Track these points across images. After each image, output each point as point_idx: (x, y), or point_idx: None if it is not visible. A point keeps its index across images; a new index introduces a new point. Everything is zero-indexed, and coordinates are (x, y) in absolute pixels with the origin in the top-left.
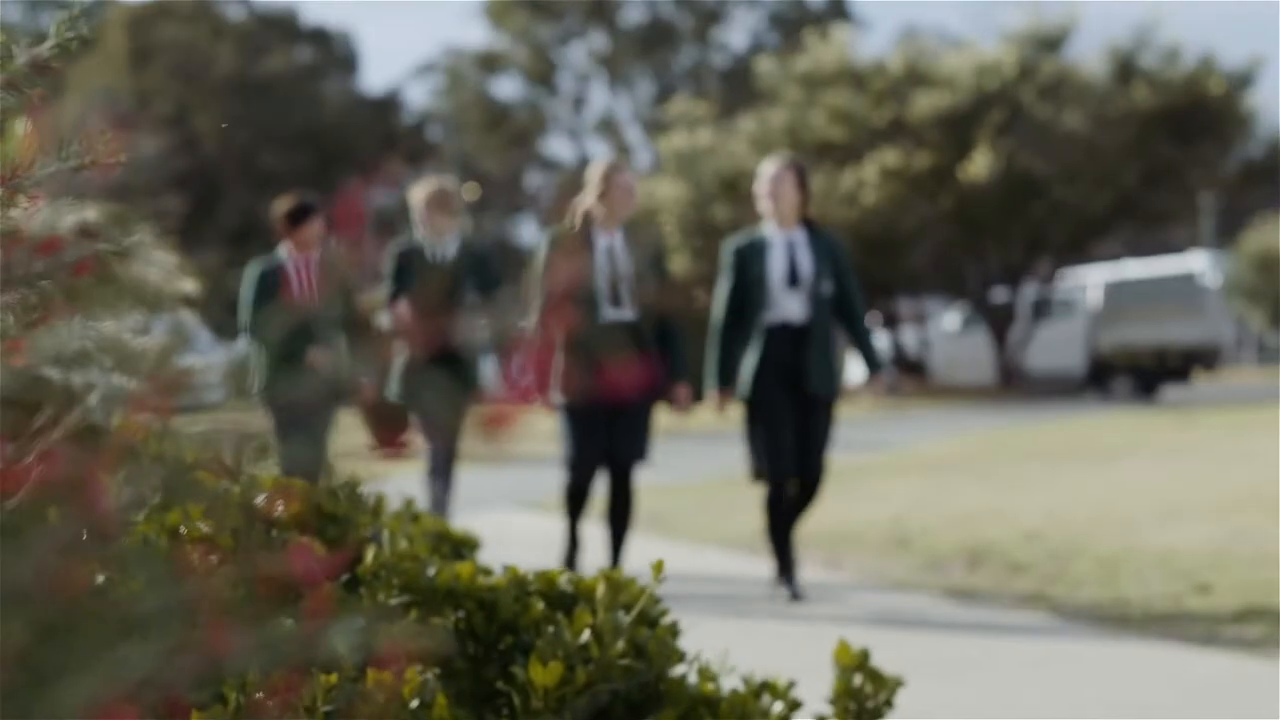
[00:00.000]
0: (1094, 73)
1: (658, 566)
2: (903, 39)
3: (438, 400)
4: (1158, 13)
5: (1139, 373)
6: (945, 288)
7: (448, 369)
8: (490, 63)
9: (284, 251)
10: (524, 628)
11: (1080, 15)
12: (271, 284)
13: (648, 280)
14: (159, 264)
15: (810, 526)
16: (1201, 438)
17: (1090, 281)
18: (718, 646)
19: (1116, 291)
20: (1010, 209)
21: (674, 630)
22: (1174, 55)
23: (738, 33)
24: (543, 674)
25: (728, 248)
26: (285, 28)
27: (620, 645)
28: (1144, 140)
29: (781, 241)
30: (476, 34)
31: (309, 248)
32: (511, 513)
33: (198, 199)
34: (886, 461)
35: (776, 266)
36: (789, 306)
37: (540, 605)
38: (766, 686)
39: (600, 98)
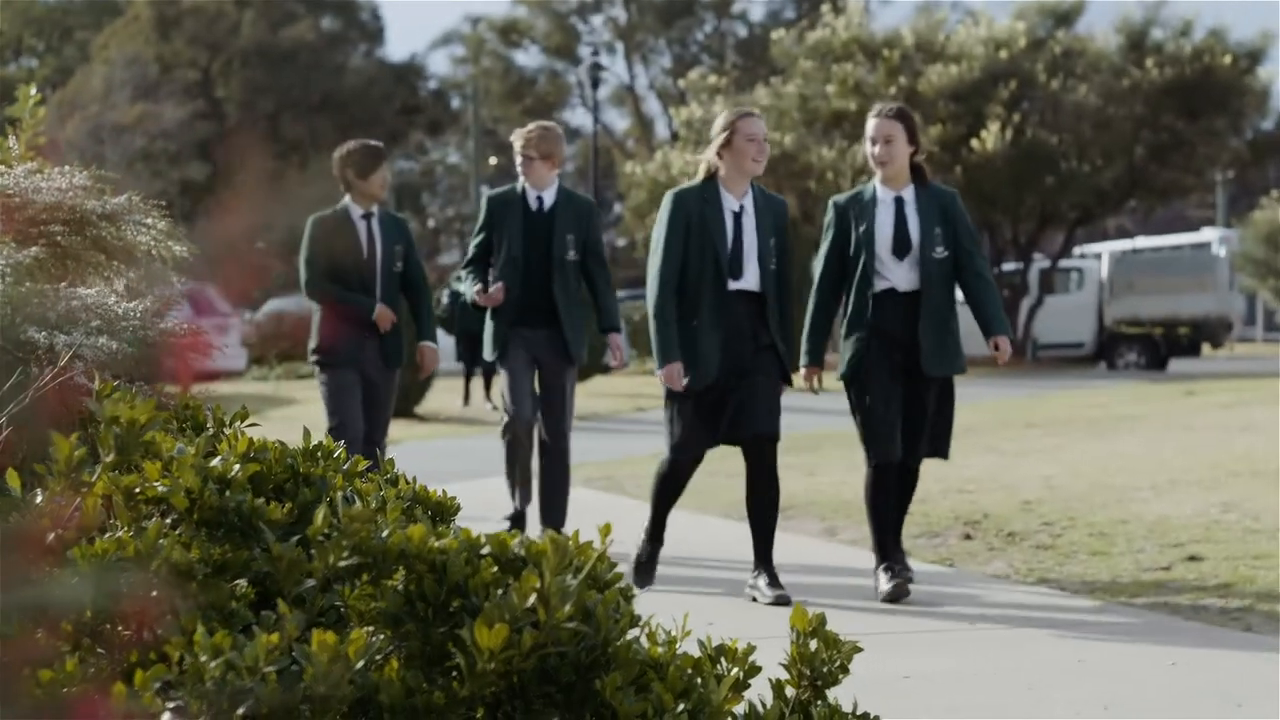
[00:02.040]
0: (1105, 46)
1: (605, 529)
2: (918, 12)
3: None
4: None
5: (1148, 345)
6: None
7: (545, 332)
8: (511, 32)
9: (349, 203)
10: (474, 590)
11: None
12: (336, 238)
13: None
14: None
15: (809, 494)
16: (1205, 410)
17: (1100, 254)
18: (699, 611)
19: (1126, 264)
20: (1021, 182)
21: (626, 594)
22: (1185, 29)
23: (756, 5)
24: (488, 636)
25: (830, 205)
26: None
27: (567, 609)
28: (1154, 114)
29: (889, 202)
30: (498, 4)
31: (375, 199)
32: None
33: (221, 166)
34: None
35: (883, 231)
36: (897, 274)
37: (492, 568)
38: (724, 651)
39: (619, 68)
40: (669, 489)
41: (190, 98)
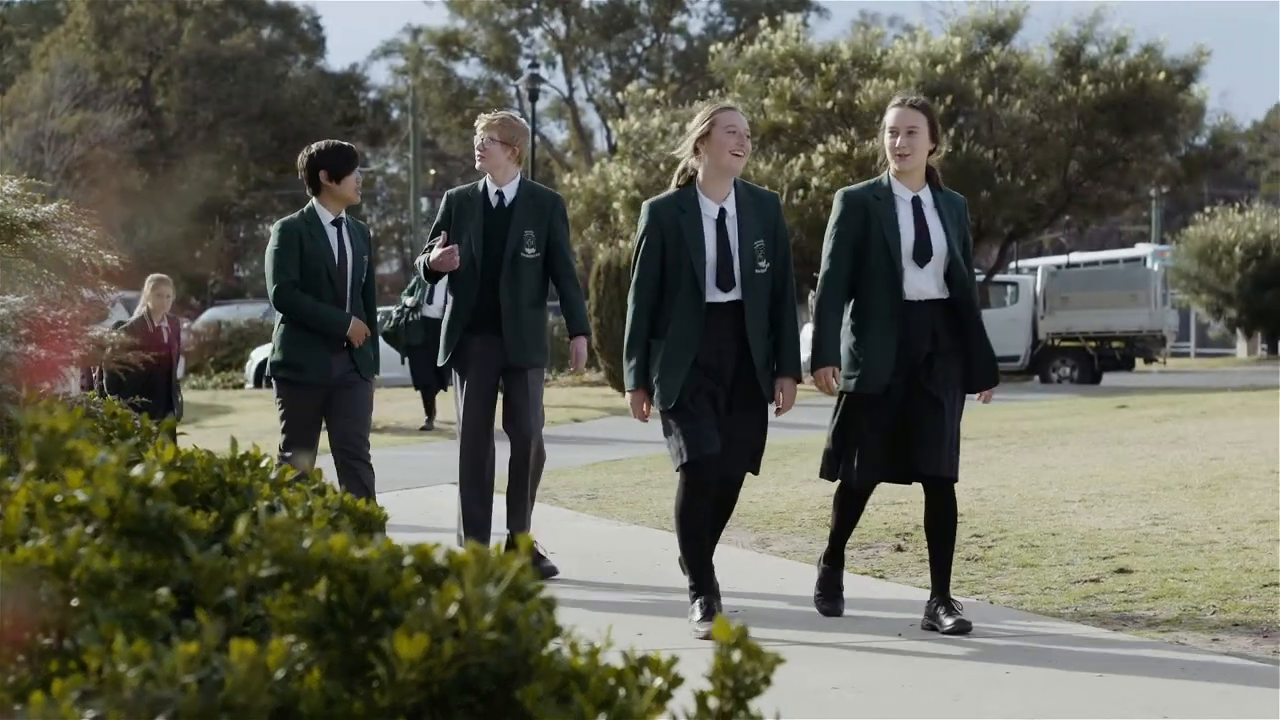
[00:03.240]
0: (1040, 62)
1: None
2: (855, 27)
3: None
4: (1104, 4)
5: (1082, 359)
6: None
7: (493, 334)
8: (451, 44)
9: (318, 207)
10: (395, 600)
11: (1028, 6)
12: (306, 245)
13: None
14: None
15: (741, 506)
16: (1137, 424)
17: (1035, 269)
18: (623, 623)
19: (1060, 279)
20: None
21: (548, 604)
22: (1120, 46)
23: (695, 19)
24: (409, 646)
25: (842, 195)
26: (250, 6)
27: (488, 619)
28: (1089, 130)
29: (908, 202)
30: (438, 15)
31: (348, 203)
32: (446, 491)
33: (160, 175)
34: (819, 443)
35: (905, 234)
36: (915, 283)
37: (414, 578)
38: (646, 662)
39: (559, 81)
40: (690, 520)
41: (130, 106)
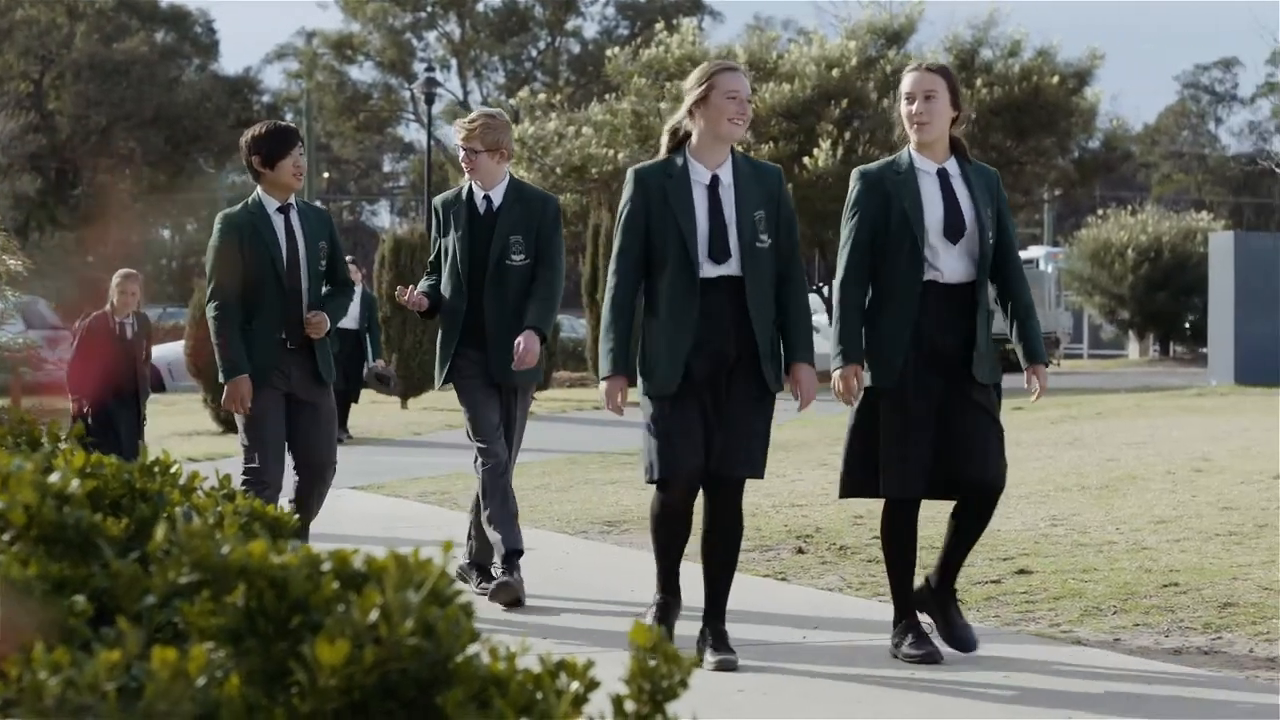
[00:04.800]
0: None
1: (446, 545)
2: (749, 31)
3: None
4: (998, 8)
5: None
6: None
7: (482, 349)
8: (345, 47)
9: (261, 196)
10: (315, 606)
11: (922, 9)
12: (249, 239)
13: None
14: None
15: (640, 508)
16: (1033, 425)
17: None
18: (543, 628)
19: None
20: None
21: (467, 610)
22: (1014, 50)
23: (590, 22)
24: (329, 653)
25: (858, 175)
26: (143, 9)
27: (409, 624)
28: (983, 133)
29: (932, 174)
30: (332, 19)
31: (289, 189)
32: (348, 494)
33: (53, 179)
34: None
35: (931, 209)
36: (946, 263)
37: (333, 584)
38: (563, 666)
39: (454, 84)
40: (665, 529)
41: (22, 110)
